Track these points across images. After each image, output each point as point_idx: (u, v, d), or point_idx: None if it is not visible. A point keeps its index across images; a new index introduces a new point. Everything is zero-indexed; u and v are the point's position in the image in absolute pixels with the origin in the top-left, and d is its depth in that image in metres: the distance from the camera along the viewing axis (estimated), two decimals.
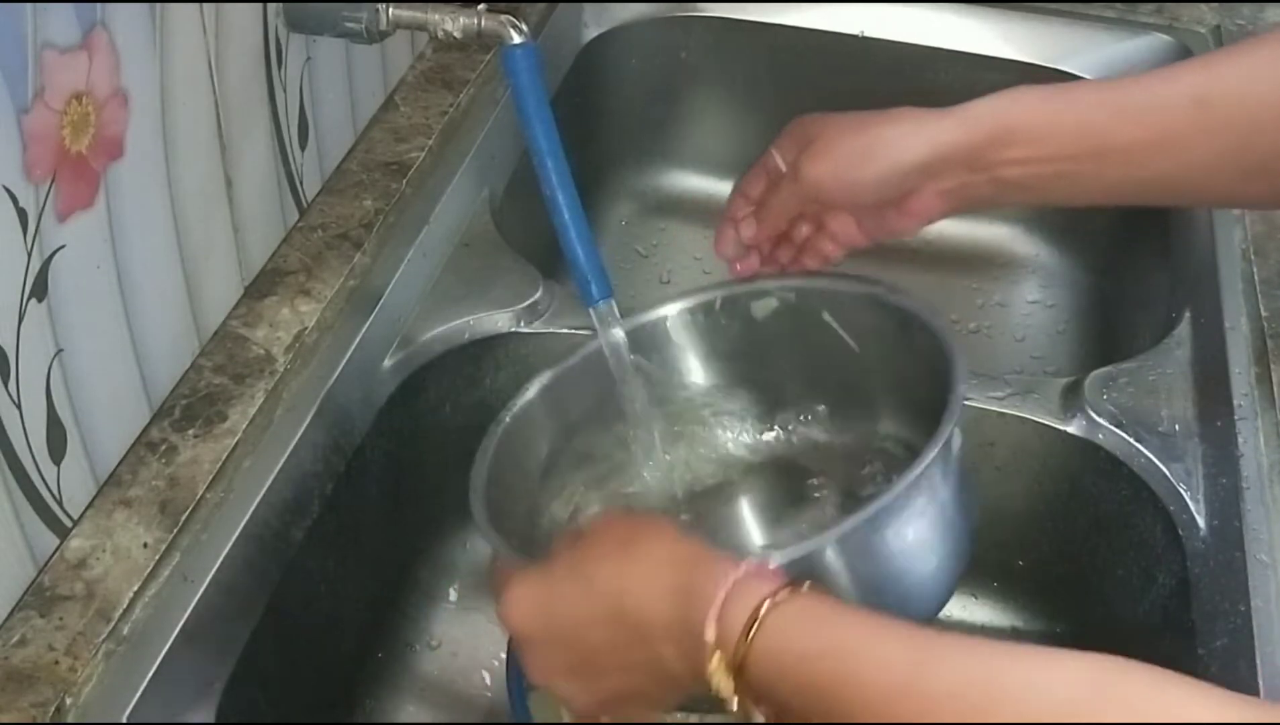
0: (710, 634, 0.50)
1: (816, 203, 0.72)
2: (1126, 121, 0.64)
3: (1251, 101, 0.62)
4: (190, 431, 0.75)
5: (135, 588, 0.66)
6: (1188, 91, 0.63)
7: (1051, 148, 0.65)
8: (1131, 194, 0.67)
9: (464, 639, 0.94)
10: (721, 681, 0.50)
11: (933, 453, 0.58)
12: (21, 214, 0.61)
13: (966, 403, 0.85)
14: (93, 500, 0.70)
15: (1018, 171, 0.66)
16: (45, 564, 0.67)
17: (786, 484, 0.82)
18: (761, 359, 0.79)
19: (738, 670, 0.49)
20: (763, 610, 0.49)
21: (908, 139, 0.67)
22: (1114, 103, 0.65)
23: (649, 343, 0.79)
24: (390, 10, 0.82)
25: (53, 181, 0.63)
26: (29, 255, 0.62)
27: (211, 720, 0.67)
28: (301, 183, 0.89)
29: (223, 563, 0.69)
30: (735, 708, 0.50)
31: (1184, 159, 0.63)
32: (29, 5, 0.59)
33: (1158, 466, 0.80)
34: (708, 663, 0.50)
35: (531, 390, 0.76)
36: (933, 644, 0.47)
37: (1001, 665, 0.46)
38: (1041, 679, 0.45)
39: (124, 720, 0.62)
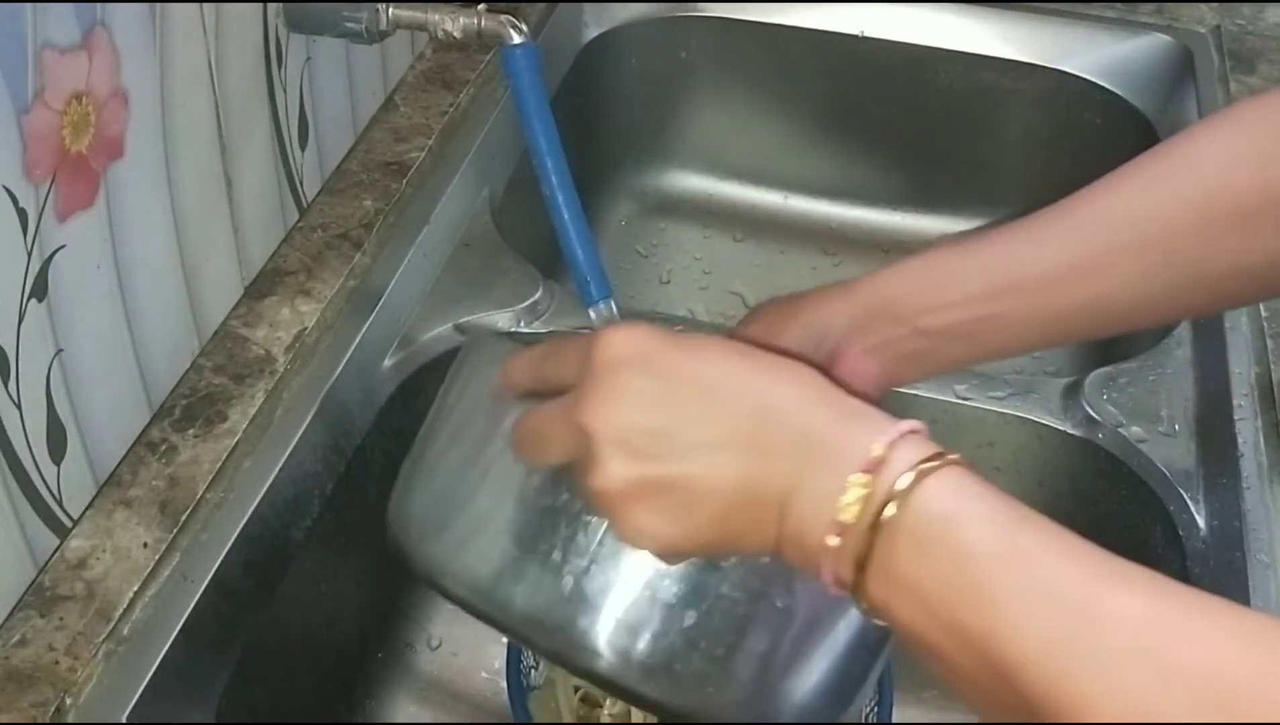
0: (878, 449, 0.44)
1: None
2: (1038, 252, 0.62)
3: (1163, 215, 0.60)
4: (190, 431, 0.75)
5: (135, 588, 0.66)
6: (1096, 214, 0.62)
7: (967, 288, 0.62)
8: (1065, 328, 0.64)
9: (464, 639, 0.94)
10: (849, 542, 0.44)
11: None
12: (21, 214, 0.61)
13: (967, 402, 0.85)
14: (93, 500, 0.70)
15: (938, 320, 0.63)
16: (45, 564, 0.67)
17: None
18: None
19: (878, 529, 0.43)
20: (937, 463, 0.44)
21: (828, 299, 0.65)
22: (1023, 237, 0.63)
23: None
24: (390, 10, 0.82)
25: (53, 181, 0.63)
26: (29, 255, 0.62)
27: (211, 720, 0.67)
28: (301, 183, 0.89)
29: (223, 563, 0.69)
30: (852, 589, 0.44)
31: (1108, 281, 0.61)
32: (29, 5, 0.59)
33: (1158, 466, 0.80)
34: (842, 496, 0.44)
35: None
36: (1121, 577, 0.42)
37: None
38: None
39: (124, 720, 0.62)
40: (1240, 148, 0.59)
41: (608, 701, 0.78)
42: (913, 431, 0.46)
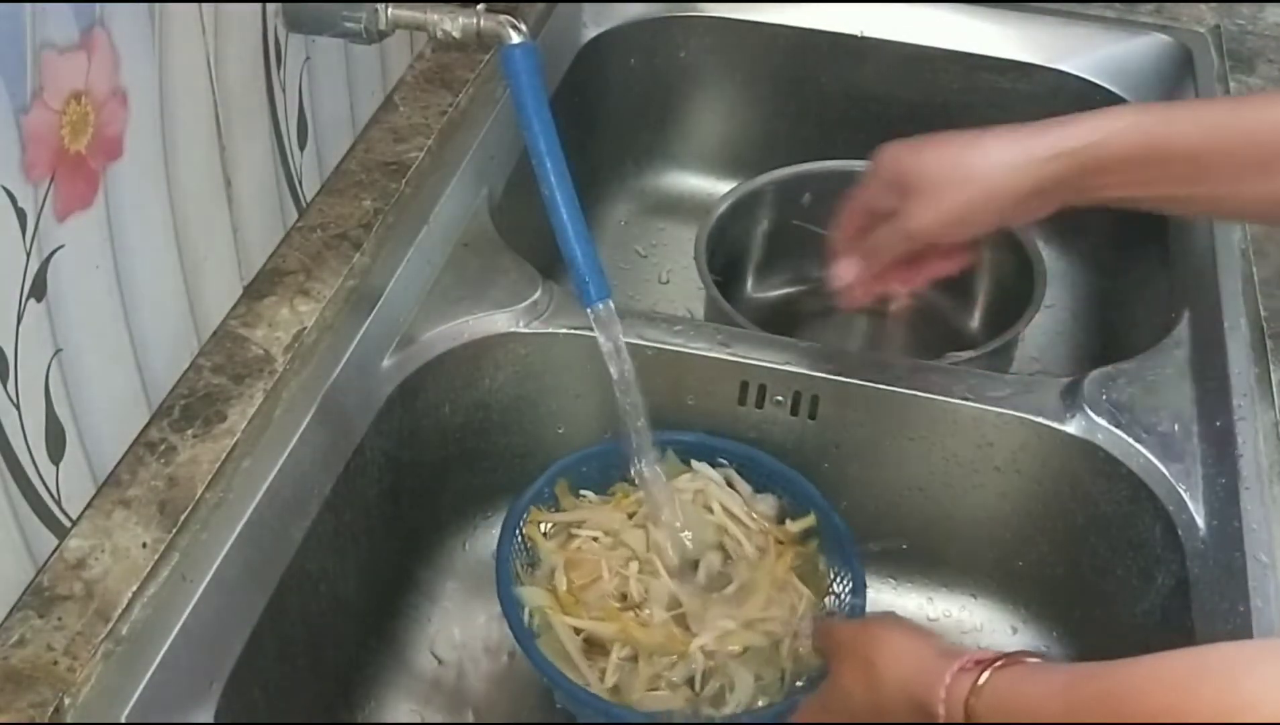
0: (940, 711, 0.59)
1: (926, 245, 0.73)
2: (1223, 146, 0.65)
3: None
4: (189, 431, 0.75)
5: (134, 588, 0.66)
6: (1275, 122, 0.65)
7: (1151, 172, 0.67)
8: (1237, 210, 0.70)
9: (464, 639, 0.94)
10: None
11: None
12: (20, 214, 0.61)
13: (967, 402, 0.85)
14: (92, 500, 0.70)
15: (1120, 194, 0.68)
16: (44, 564, 0.67)
17: None
18: None
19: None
20: (981, 679, 0.57)
21: (1010, 181, 0.68)
22: (1210, 126, 0.66)
23: None
24: (389, 10, 0.82)
25: (51, 181, 0.63)
26: (28, 255, 0.62)
27: (211, 720, 0.67)
28: (301, 183, 0.89)
29: (222, 563, 0.69)
30: None
31: (1271, 189, 0.64)
32: (28, 5, 0.59)
33: (1157, 466, 0.80)
34: None
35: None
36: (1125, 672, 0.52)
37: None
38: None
39: (123, 720, 0.62)
40: None
41: (615, 645, 0.80)
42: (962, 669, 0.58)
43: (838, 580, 0.83)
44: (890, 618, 0.71)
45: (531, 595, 0.81)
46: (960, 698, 0.58)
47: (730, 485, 0.88)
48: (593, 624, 0.80)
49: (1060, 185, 0.68)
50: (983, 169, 0.68)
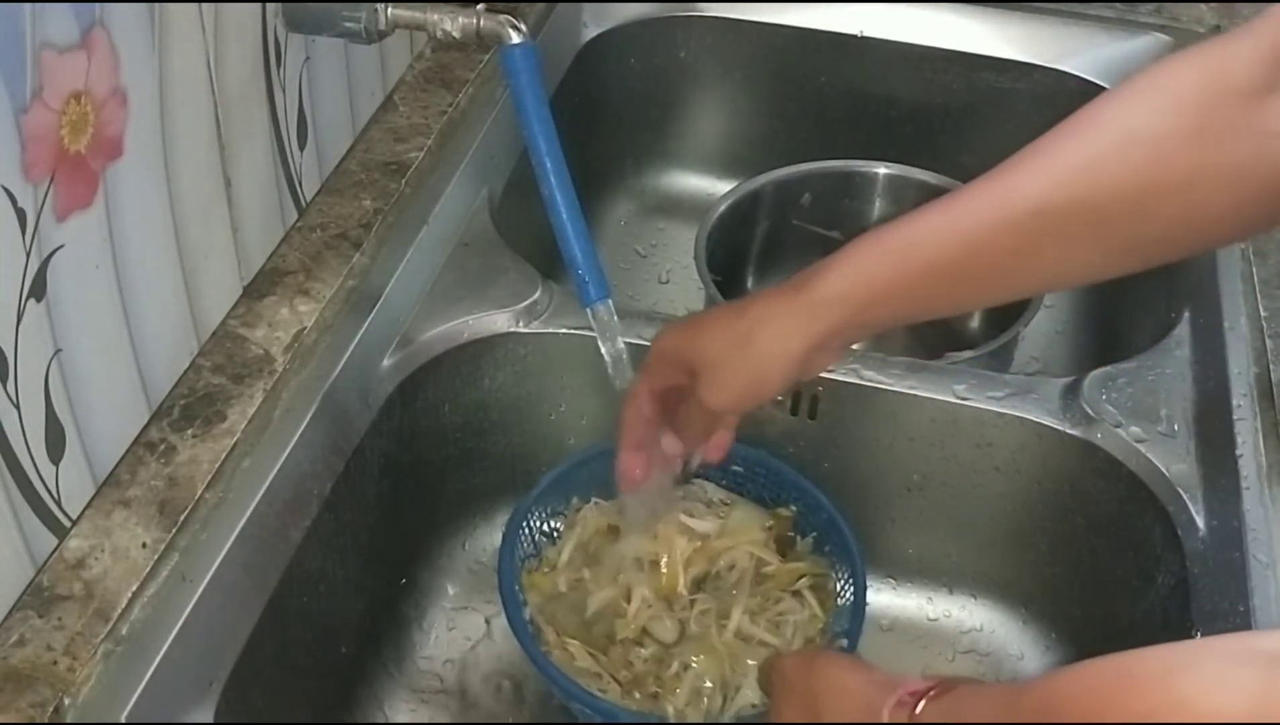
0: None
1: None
2: (975, 251, 0.63)
3: (1095, 196, 0.60)
4: (189, 431, 0.75)
5: (134, 588, 0.66)
6: (1026, 205, 0.62)
7: (914, 296, 0.65)
8: (1013, 296, 0.70)
9: (463, 639, 0.94)
10: None
11: None
12: (20, 214, 0.61)
13: (967, 402, 0.85)
14: (91, 500, 0.70)
15: (891, 317, 0.68)
16: (44, 564, 0.67)
17: None
18: None
19: None
20: (918, 710, 0.58)
21: (785, 345, 0.67)
22: (956, 235, 0.63)
23: None
24: (389, 10, 0.82)
25: (51, 181, 0.63)
26: (27, 255, 0.62)
27: (210, 720, 0.67)
28: (300, 183, 0.89)
29: (222, 563, 0.69)
30: None
31: (1044, 265, 0.63)
32: (27, 5, 0.59)
33: (1157, 467, 0.80)
34: None
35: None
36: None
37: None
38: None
39: (123, 720, 0.62)
40: (1170, 123, 0.59)
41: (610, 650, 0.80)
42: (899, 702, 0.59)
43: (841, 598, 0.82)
44: (832, 653, 0.71)
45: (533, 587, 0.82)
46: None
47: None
48: (580, 650, 0.80)
49: (834, 336, 0.67)
50: (757, 341, 0.68)
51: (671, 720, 0.75)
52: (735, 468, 0.87)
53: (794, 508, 0.86)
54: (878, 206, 1.19)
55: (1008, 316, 1.01)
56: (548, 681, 0.77)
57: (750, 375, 0.69)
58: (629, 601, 0.81)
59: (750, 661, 0.77)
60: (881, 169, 1.17)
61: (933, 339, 1.16)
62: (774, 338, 0.67)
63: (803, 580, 0.82)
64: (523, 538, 0.84)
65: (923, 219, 0.65)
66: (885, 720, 0.59)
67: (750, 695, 0.76)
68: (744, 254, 1.18)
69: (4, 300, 0.61)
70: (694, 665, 0.77)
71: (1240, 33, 0.58)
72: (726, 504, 0.87)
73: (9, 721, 0.60)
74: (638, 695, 0.76)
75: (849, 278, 0.66)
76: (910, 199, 1.17)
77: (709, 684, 0.77)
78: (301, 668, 0.79)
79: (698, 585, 0.83)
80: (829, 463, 0.90)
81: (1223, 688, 0.47)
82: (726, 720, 0.76)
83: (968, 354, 0.98)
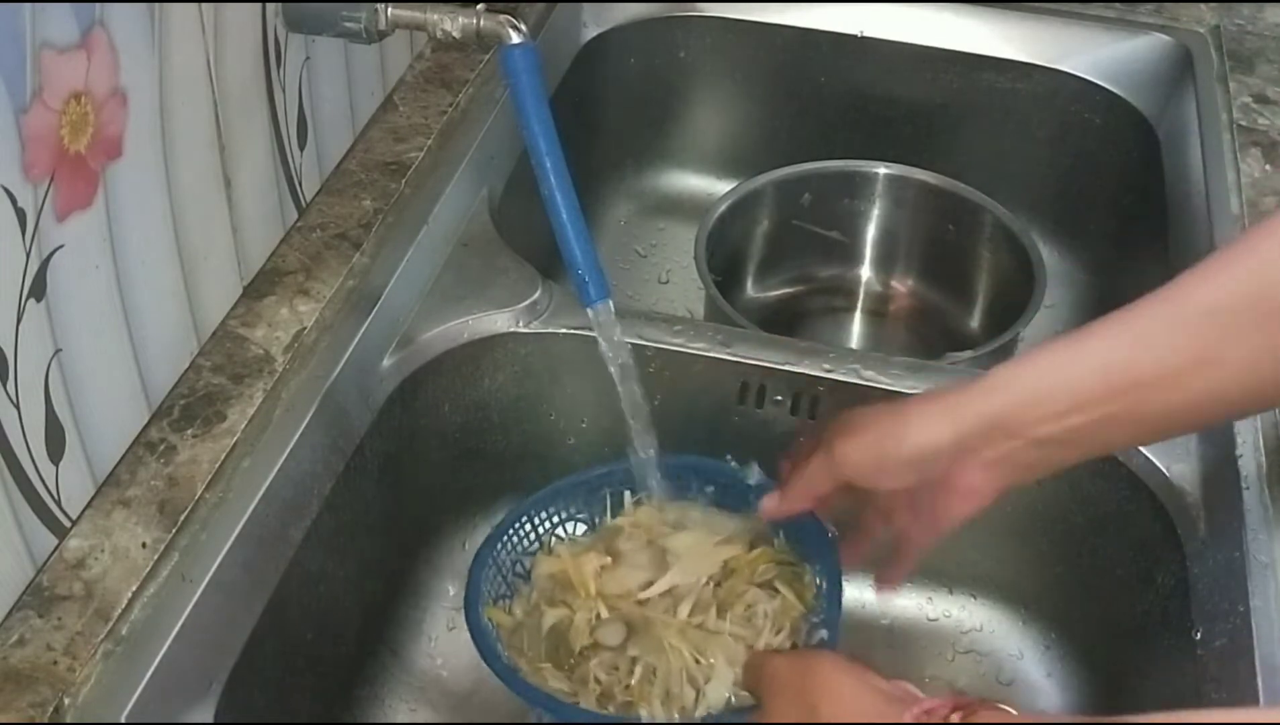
0: None
1: (849, 480, 0.69)
2: (1145, 352, 0.62)
3: (1268, 297, 0.59)
4: (189, 431, 0.75)
5: (134, 588, 0.66)
6: (1198, 307, 0.61)
7: (1079, 396, 0.62)
8: (1183, 420, 0.65)
9: (463, 639, 0.93)
10: None
11: None
12: (20, 214, 0.61)
13: None
14: (91, 500, 0.70)
15: (1054, 428, 0.63)
16: (44, 564, 0.67)
17: None
18: None
19: None
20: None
21: (934, 416, 0.65)
22: (1127, 337, 0.63)
23: None
24: (389, 10, 0.82)
25: (51, 181, 0.63)
26: (27, 255, 0.62)
27: (210, 720, 0.67)
28: (300, 183, 0.89)
29: (222, 563, 0.69)
30: None
31: (1218, 373, 0.61)
32: (27, 5, 0.59)
33: (1157, 466, 0.80)
34: None
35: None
36: None
37: None
38: None
39: (122, 720, 0.62)
40: None
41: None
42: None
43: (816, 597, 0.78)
44: (828, 655, 0.66)
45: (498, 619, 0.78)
46: None
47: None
48: (553, 672, 0.76)
49: (987, 425, 0.64)
50: (910, 406, 0.67)
51: (645, 720, 0.72)
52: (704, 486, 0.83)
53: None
54: (878, 206, 1.19)
55: (1008, 316, 1.01)
56: (527, 703, 0.74)
57: (886, 432, 0.66)
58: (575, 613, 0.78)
59: (718, 656, 0.73)
60: (881, 169, 1.17)
61: (933, 339, 1.17)
62: (925, 409, 0.65)
63: (770, 569, 0.78)
64: (490, 576, 0.79)
65: (1089, 328, 0.63)
66: None
67: (721, 689, 0.72)
68: (744, 254, 1.19)
69: (4, 300, 0.61)
70: (648, 663, 0.74)
71: None
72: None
73: (9, 721, 0.60)
74: (611, 708, 0.73)
75: (1011, 370, 0.64)
76: (910, 199, 1.18)
77: (675, 683, 0.73)
78: (301, 668, 0.79)
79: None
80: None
81: None
82: (698, 718, 0.73)
83: (968, 354, 0.98)
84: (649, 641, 0.75)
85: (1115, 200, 1.19)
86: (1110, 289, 1.18)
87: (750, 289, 1.21)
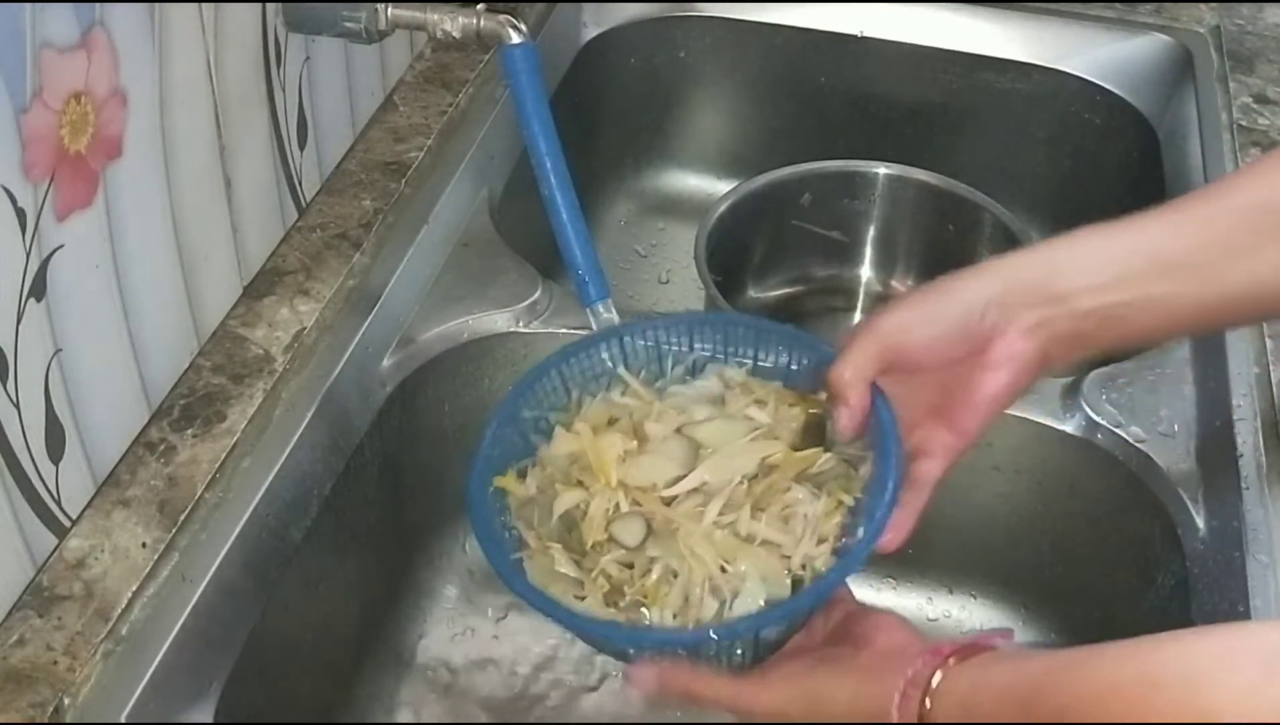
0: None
1: (897, 347, 0.68)
2: (1187, 238, 0.63)
3: None
4: (189, 431, 0.75)
5: (134, 588, 0.66)
6: (1245, 201, 0.63)
7: (1121, 273, 0.64)
8: (1218, 314, 0.66)
9: (463, 638, 0.94)
10: None
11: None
12: (20, 213, 0.61)
13: None
14: (91, 500, 0.70)
15: (1094, 301, 0.64)
16: (44, 564, 0.67)
17: None
18: None
19: None
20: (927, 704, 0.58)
21: (983, 275, 0.66)
22: (1171, 223, 0.64)
23: None
24: (389, 10, 0.82)
25: (51, 181, 0.63)
26: (27, 255, 0.62)
27: (210, 720, 0.67)
28: (300, 183, 0.89)
29: (222, 563, 0.69)
30: None
31: (1255, 266, 0.62)
32: (27, 5, 0.59)
33: (1157, 466, 0.80)
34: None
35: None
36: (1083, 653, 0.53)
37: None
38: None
39: (122, 720, 0.62)
40: None
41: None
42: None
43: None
44: (797, 673, 0.65)
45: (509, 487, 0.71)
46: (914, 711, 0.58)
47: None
48: (562, 554, 0.69)
49: (1027, 287, 0.65)
50: (953, 275, 0.67)
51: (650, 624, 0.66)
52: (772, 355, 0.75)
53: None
54: (878, 207, 1.19)
55: None
56: (513, 591, 0.67)
57: (929, 298, 0.67)
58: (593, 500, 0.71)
59: (749, 567, 0.66)
60: (882, 169, 1.17)
61: None
62: (968, 274, 0.66)
63: (817, 466, 0.70)
64: (507, 437, 0.72)
65: (1137, 215, 0.65)
66: (895, 718, 0.58)
67: (750, 604, 0.65)
68: (744, 254, 1.18)
69: (4, 300, 0.61)
70: (667, 565, 0.67)
71: None
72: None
73: (9, 721, 0.60)
74: (621, 605, 0.67)
75: (1055, 241, 0.66)
76: (910, 199, 1.18)
77: (696, 592, 0.66)
78: (301, 668, 0.79)
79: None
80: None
81: (1251, 701, 0.46)
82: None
83: None
84: (671, 545, 0.68)
85: (1115, 200, 1.19)
86: None
87: (750, 289, 1.21)
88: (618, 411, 0.74)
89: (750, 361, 0.75)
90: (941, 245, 1.17)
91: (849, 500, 0.67)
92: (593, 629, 0.66)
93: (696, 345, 0.74)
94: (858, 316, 1.21)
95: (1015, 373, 0.66)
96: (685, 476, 0.71)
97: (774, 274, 1.21)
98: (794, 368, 0.73)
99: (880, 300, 1.22)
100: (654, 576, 0.67)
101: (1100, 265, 0.64)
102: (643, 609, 0.66)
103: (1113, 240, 0.65)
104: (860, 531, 0.66)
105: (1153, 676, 0.49)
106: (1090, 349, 0.66)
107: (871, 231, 1.20)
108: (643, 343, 0.74)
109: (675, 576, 0.67)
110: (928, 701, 0.58)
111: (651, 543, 0.69)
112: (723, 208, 1.11)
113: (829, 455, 0.70)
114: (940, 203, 1.16)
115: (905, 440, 0.68)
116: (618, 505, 0.70)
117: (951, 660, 0.58)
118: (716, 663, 0.66)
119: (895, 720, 0.59)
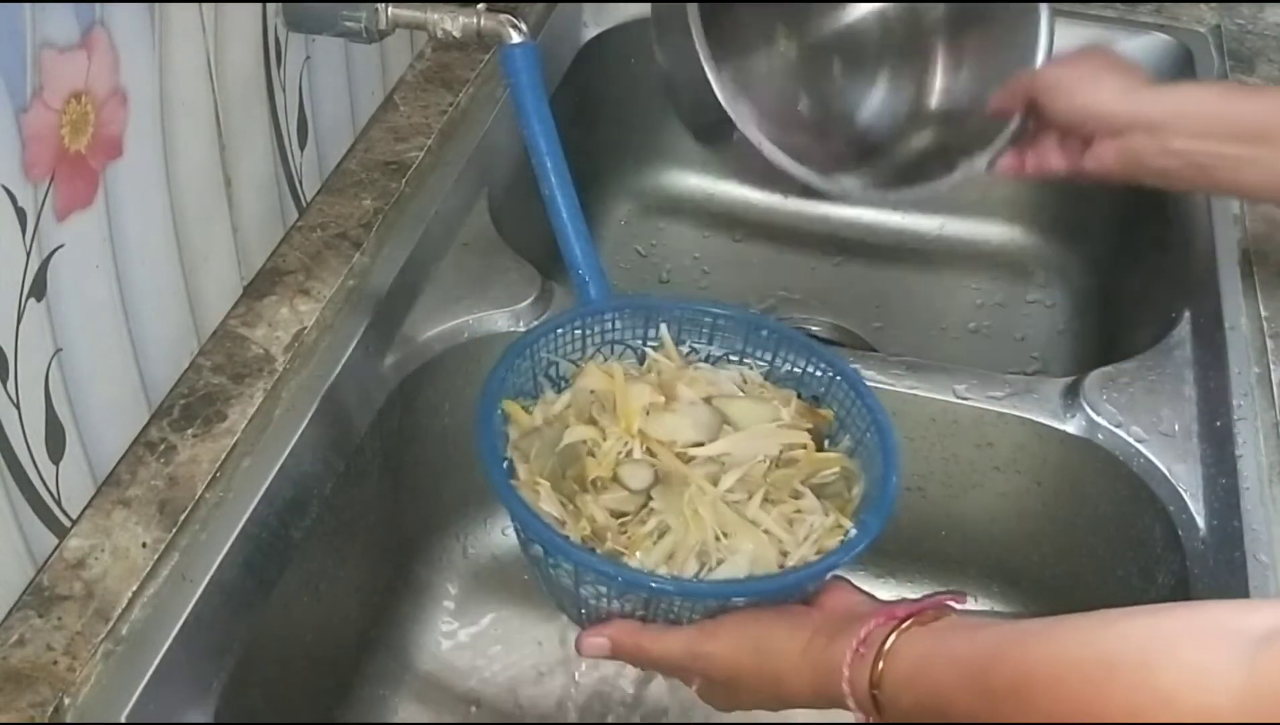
0: (850, 703, 0.60)
1: (1047, 87, 0.87)
2: (1266, 108, 0.77)
3: None
4: (189, 431, 0.75)
5: (134, 588, 0.66)
6: None
7: (1219, 127, 0.78)
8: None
9: (463, 639, 0.94)
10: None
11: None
12: (20, 213, 0.61)
13: (967, 402, 0.85)
14: (91, 500, 0.70)
15: (1186, 145, 0.78)
16: (44, 564, 0.67)
17: None
18: None
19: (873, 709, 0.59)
20: (879, 671, 0.58)
21: (1114, 91, 0.82)
22: (1262, 96, 0.79)
23: None
24: (389, 10, 0.82)
25: (51, 181, 0.63)
26: (28, 254, 0.62)
27: (210, 720, 0.67)
28: (301, 182, 0.89)
29: (222, 562, 0.69)
30: None
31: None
32: (28, 5, 0.59)
33: (1157, 466, 0.80)
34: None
35: None
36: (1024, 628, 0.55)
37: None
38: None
39: (122, 720, 0.62)
40: None
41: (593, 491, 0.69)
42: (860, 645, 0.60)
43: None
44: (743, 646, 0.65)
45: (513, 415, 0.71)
46: (865, 687, 0.59)
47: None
48: (548, 492, 0.68)
49: (1138, 121, 0.80)
50: (1110, 67, 0.85)
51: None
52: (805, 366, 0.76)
53: (833, 410, 0.74)
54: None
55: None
56: (509, 512, 0.68)
57: (1077, 78, 0.85)
58: (605, 440, 0.70)
59: (743, 544, 0.66)
60: None
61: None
62: (1114, 78, 0.83)
63: (831, 474, 0.71)
64: (522, 371, 0.73)
65: (1255, 85, 0.86)
66: (845, 676, 0.59)
67: (731, 575, 0.65)
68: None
69: (4, 300, 0.61)
70: (663, 521, 0.67)
71: None
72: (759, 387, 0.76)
73: (9, 721, 0.60)
74: (599, 552, 0.66)
75: (1178, 89, 0.85)
76: None
77: (683, 551, 0.66)
78: (301, 668, 0.79)
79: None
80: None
81: (1205, 682, 0.46)
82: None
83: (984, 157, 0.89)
84: (674, 501, 0.67)
85: (1115, 200, 1.19)
86: (1110, 289, 1.18)
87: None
88: (648, 367, 0.75)
89: (767, 364, 0.77)
90: None
91: (849, 526, 0.68)
92: (573, 555, 0.64)
93: (716, 343, 0.77)
94: None
95: (1100, 169, 0.83)
96: (707, 444, 0.71)
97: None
98: (809, 374, 0.76)
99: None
100: (647, 527, 0.67)
101: (1204, 119, 0.78)
102: (618, 556, 0.66)
103: (1222, 99, 0.81)
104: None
105: (1109, 656, 0.49)
106: (1175, 182, 0.82)
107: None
108: (665, 328, 0.77)
109: (663, 535, 0.66)
110: (880, 664, 0.58)
111: (656, 493, 0.68)
112: None
113: (839, 467, 0.71)
114: None
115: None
116: (631, 451, 0.70)
117: (906, 623, 0.59)
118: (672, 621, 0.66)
119: (845, 677, 0.59)
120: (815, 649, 0.62)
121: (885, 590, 0.96)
